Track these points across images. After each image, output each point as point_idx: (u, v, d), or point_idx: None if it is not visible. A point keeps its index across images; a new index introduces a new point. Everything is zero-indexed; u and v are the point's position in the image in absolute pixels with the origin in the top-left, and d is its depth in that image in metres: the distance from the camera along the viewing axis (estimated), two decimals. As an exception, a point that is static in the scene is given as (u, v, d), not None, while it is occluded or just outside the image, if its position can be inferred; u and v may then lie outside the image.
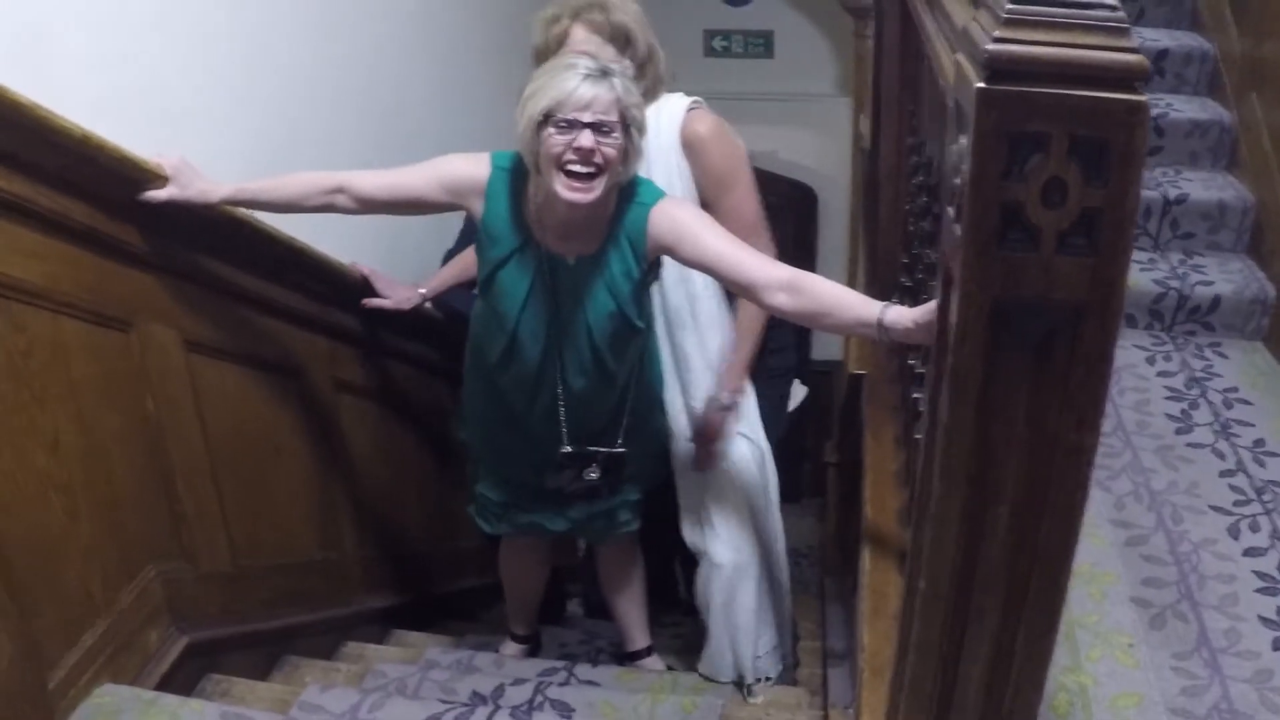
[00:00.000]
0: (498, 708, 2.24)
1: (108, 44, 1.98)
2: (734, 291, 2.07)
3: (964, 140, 0.94)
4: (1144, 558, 1.90)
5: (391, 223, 2.70)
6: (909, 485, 1.86)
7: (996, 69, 0.88)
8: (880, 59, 2.54)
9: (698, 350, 2.42)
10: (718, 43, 6.34)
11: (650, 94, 2.34)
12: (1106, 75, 0.87)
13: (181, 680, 2.14)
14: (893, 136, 2.50)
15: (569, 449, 2.28)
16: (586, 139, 1.92)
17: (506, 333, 2.17)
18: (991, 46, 0.88)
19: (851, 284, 2.63)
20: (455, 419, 2.58)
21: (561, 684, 2.47)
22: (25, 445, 1.77)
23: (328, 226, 2.40)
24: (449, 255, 2.98)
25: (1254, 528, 1.98)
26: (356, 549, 2.98)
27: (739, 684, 2.59)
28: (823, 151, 6.16)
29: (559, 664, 2.65)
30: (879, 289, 2.50)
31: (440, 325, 3.10)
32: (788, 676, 2.75)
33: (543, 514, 2.46)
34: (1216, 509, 2.03)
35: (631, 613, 2.80)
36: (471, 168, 2.11)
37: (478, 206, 2.11)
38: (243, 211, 2.22)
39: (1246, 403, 2.37)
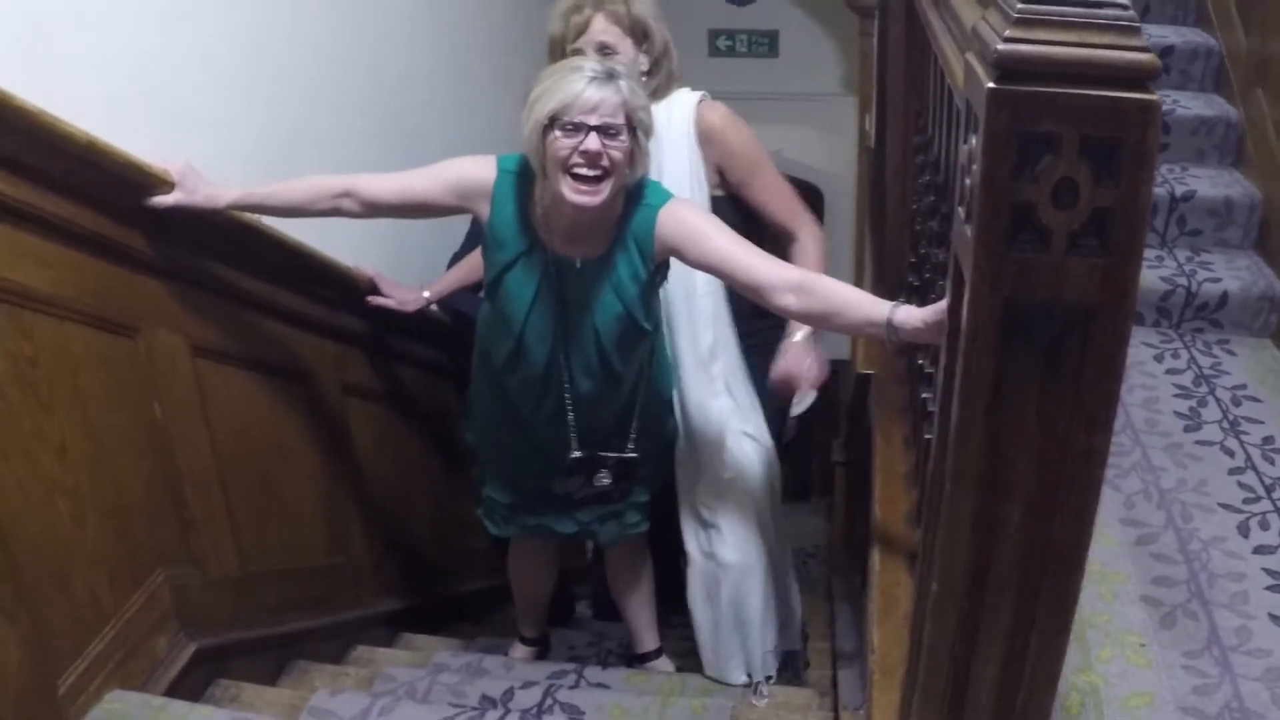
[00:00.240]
0: (507, 711, 2.24)
1: (111, 46, 1.98)
2: (743, 293, 2.06)
3: (974, 140, 0.93)
4: (1154, 556, 1.89)
5: (396, 225, 2.70)
6: (918, 486, 1.86)
7: (1007, 69, 0.88)
8: (885, 58, 2.53)
9: (690, 347, 2.42)
10: (722, 42, 6.33)
11: (663, 90, 2.38)
12: (1118, 75, 0.86)
13: (190, 686, 2.14)
14: (898, 135, 2.50)
15: (578, 454, 2.27)
16: (593, 142, 1.91)
17: (513, 336, 2.17)
18: (1002, 46, 0.87)
19: (858, 283, 2.63)
20: (462, 421, 2.58)
21: (571, 687, 2.46)
22: (33, 451, 1.77)
23: (333, 229, 2.40)
24: (455, 258, 2.98)
25: (1264, 525, 1.97)
26: (365, 552, 2.98)
27: (747, 684, 2.59)
28: (828, 150, 6.15)
29: (568, 666, 2.64)
30: (886, 288, 2.50)
31: (447, 328, 3.10)
32: (799, 677, 2.74)
33: (551, 516, 2.46)
34: (1226, 507, 2.02)
35: (640, 614, 2.79)
36: (478, 171, 2.11)
37: (484, 210, 2.11)
38: (249, 216, 2.22)
39: (1255, 400, 2.37)
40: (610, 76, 1.94)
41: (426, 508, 3.42)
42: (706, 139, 2.39)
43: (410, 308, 2.78)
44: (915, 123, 2.36)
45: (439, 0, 3.65)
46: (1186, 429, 2.27)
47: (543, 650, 2.97)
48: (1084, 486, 1.01)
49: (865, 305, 1.78)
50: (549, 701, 2.33)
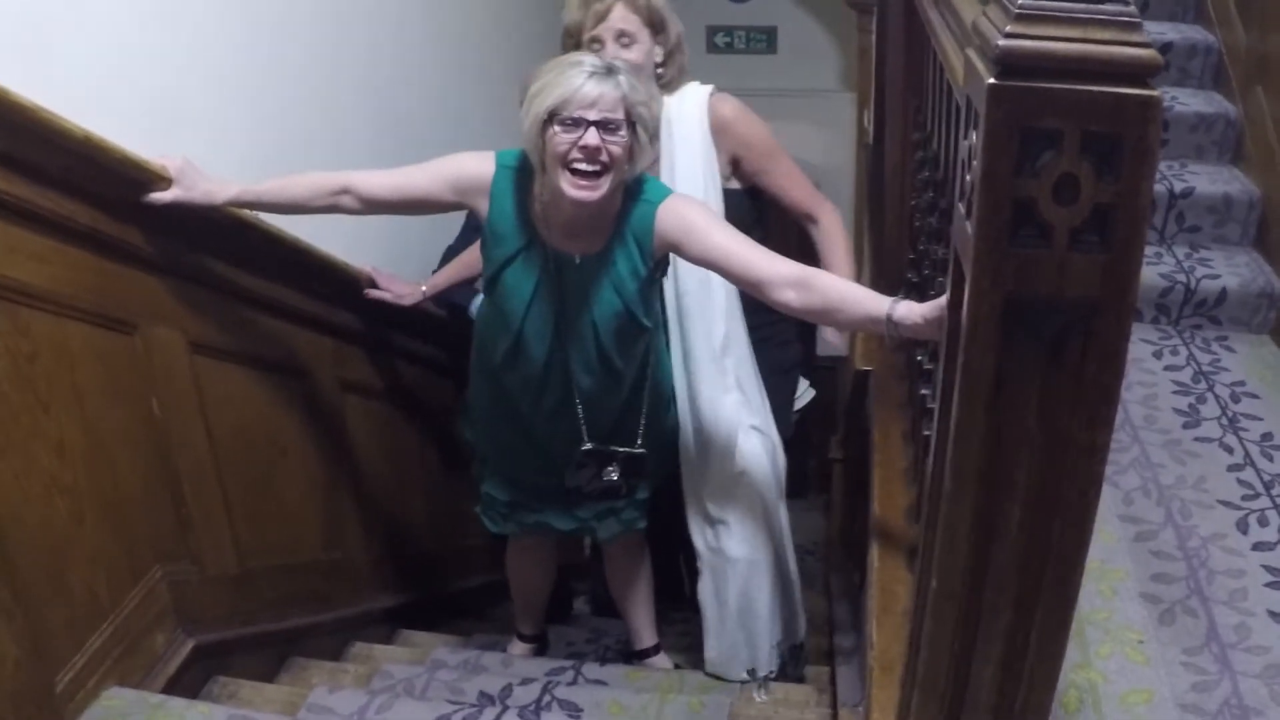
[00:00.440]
0: (505, 708, 2.24)
1: (109, 43, 1.98)
2: (743, 289, 2.07)
3: (975, 136, 0.93)
4: (1153, 553, 1.89)
5: (393, 220, 2.69)
6: (917, 482, 1.86)
7: (1008, 64, 0.87)
8: (883, 54, 2.53)
9: (704, 341, 2.42)
10: (720, 39, 6.33)
11: (674, 83, 2.40)
12: (1119, 70, 0.86)
13: (188, 682, 2.13)
14: (897, 131, 2.50)
15: (590, 446, 2.27)
16: (592, 137, 1.91)
17: (512, 332, 2.16)
18: (1003, 42, 0.87)
19: (857, 279, 2.63)
20: (460, 418, 2.58)
21: (569, 683, 2.46)
22: (31, 448, 1.76)
23: (329, 225, 2.39)
24: (449, 251, 2.98)
25: (1262, 522, 1.97)
26: (363, 549, 2.98)
27: (747, 681, 2.58)
28: (827, 147, 6.14)
29: (566, 663, 2.64)
30: (885, 284, 2.49)
31: (445, 323, 3.10)
32: (798, 673, 2.74)
33: (550, 513, 2.46)
34: (1225, 503, 2.02)
35: (639, 611, 2.79)
36: (477, 166, 2.10)
37: (483, 205, 2.10)
38: (247, 213, 2.22)
39: (1254, 396, 2.36)
40: (609, 72, 1.94)
41: (424, 504, 3.42)
42: (721, 131, 2.40)
43: (408, 301, 2.78)
44: (914, 118, 2.35)
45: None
46: (1185, 426, 2.26)
47: (541, 647, 2.97)
48: (1085, 484, 1.01)
49: (865, 301, 1.78)
50: (547, 698, 2.33)
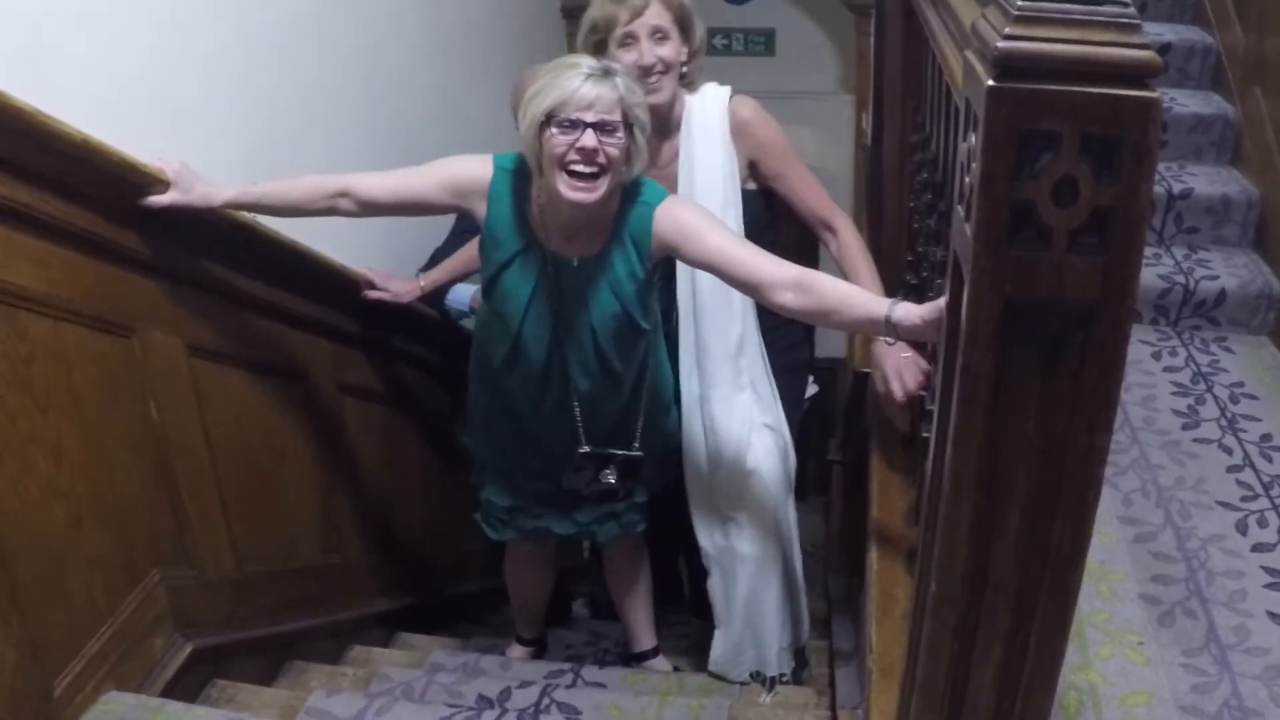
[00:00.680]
0: (504, 711, 2.24)
1: (107, 47, 1.98)
2: (741, 291, 2.06)
3: (973, 138, 0.93)
4: (1152, 554, 1.89)
5: (389, 221, 2.69)
6: (916, 485, 1.85)
7: (1007, 66, 0.87)
8: (882, 56, 2.53)
9: (720, 339, 2.42)
10: (719, 41, 6.31)
11: (694, 84, 2.41)
12: (1119, 72, 0.86)
13: (186, 687, 2.13)
14: (895, 133, 2.50)
15: (587, 448, 2.27)
16: (589, 139, 1.91)
17: (510, 335, 2.16)
18: (1002, 44, 0.87)
19: (883, 293, 2.63)
20: (459, 424, 2.57)
21: (568, 686, 2.46)
22: (28, 453, 1.76)
23: (326, 226, 2.39)
24: (438, 252, 2.99)
25: (1262, 523, 1.97)
26: (361, 552, 2.97)
27: (751, 682, 2.58)
28: (825, 149, 6.13)
29: (565, 666, 2.64)
30: (883, 286, 2.49)
31: (442, 326, 3.09)
32: (797, 675, 2.74)
33: (550, 517, 2.45)
34: (1224, 504, 2.02)
35: (638, 613, 2.79)
36: (474, 169, 2.10)
37: (481, 208, 2.10)
38: (245, 216, 2.21)
39: (1253, 397, 2.37)
40: (606, 73, 1.94)
41: (423, 507, 3.41)
42: (740, 132, 2.41)
43: (406, 298, 2.79)
44: (913, 121, 2.35)
45: (437, 1, 3.64)
46: (1184, 427, 2.26)
47: (540, 650, 2.96)
48: (1084, 486, 1.01)
49: (864, 302, 1.78)
50: (546, 701, 2.33)
